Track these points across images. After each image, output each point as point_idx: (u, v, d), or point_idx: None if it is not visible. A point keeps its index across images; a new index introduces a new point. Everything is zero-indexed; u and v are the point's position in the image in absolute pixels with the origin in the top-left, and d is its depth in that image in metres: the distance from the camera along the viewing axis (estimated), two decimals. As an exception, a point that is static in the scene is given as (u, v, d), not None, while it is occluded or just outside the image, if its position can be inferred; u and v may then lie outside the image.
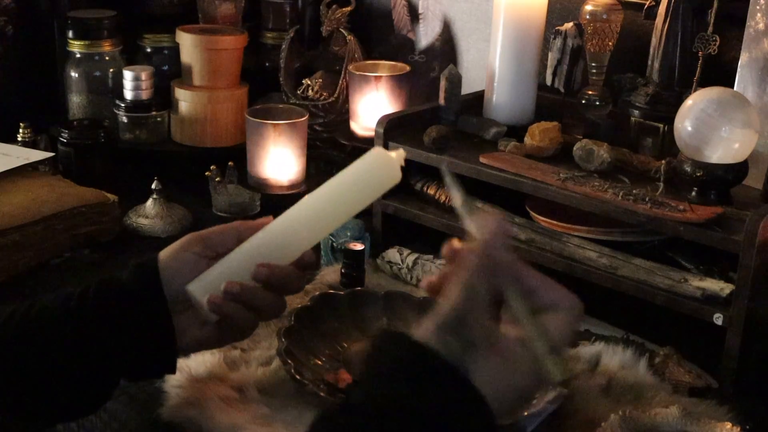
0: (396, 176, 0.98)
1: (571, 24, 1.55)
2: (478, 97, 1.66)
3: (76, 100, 1.95)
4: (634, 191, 1.33)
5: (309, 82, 1.95)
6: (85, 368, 0.92)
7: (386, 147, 1.54)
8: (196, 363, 1.16)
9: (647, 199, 1.30)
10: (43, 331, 0.92)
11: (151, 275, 0.93)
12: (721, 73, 1.45)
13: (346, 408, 0.65)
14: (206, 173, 1.71)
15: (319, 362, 1.18)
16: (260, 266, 0.90)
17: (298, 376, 1.10)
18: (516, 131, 1.55)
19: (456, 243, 0.68)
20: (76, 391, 0.93)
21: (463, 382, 0.62)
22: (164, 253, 0.95)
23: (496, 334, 0.64)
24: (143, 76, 1.88)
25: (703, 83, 1.43)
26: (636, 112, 1.53)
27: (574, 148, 1.45)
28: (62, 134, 1.79)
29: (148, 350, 0.92)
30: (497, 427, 0.62)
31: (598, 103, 1.56)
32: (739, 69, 1.42)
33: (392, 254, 1.47)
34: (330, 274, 1.43)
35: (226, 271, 0.93)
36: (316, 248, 1.43)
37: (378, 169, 0.96)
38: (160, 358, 0.94)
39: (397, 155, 0.99)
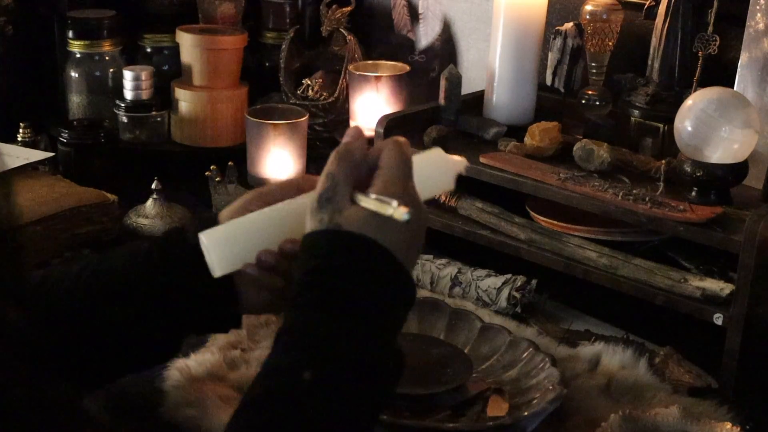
0: (448, 183, 0.93)
1: (571, 24, 1.55)
2: (478, 97, 1.66)
3: (76, 100, 1.95)
4: (634, 191, 1.33)
5: (309, 82, 1.95)
6: (152, 322, 0.94)
7: (386, 147, 1.54)
8: (196, 363, 1.16)
9: (647, 199, 1.30)
10: (111, 286, 0.94)
11: None
12: (721, 73, 1.45)
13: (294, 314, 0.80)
14: (206, 173, 1.71)
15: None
16: (287, 242, 0.90)
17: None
18: (516, 131, 1.55)
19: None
20: (144, 344, 0.95)
21: (342, 234, 0.79)
22: (225, 214, 0.95)
23: (353, 197, 0.81)
24: (143, 76, 1.88)
25: (703, 83, 1.43)
26: (636, 112, 1.53)
27: (574, 148, 1.45)
28: (62, 134, 1.79)
29: (212, 307, 0.93)
30: (380, 245, 0.78)
31: (598, 103, 1.56)
32: (739, 69, 1.42)
33: (392, 254, 1.47)
34: (330, 274, 1.43)
35: (247, 234, 0.90)
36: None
37: (432, 169, 0.92)
38: (224, 314, 0.95)
39: (455, 162, 0.94)
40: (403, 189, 0.82)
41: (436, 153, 0.94)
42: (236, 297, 0.93)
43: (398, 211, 0.79)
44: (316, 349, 0.77)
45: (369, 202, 0.81)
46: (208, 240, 0.89)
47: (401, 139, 0.85)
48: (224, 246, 0.89)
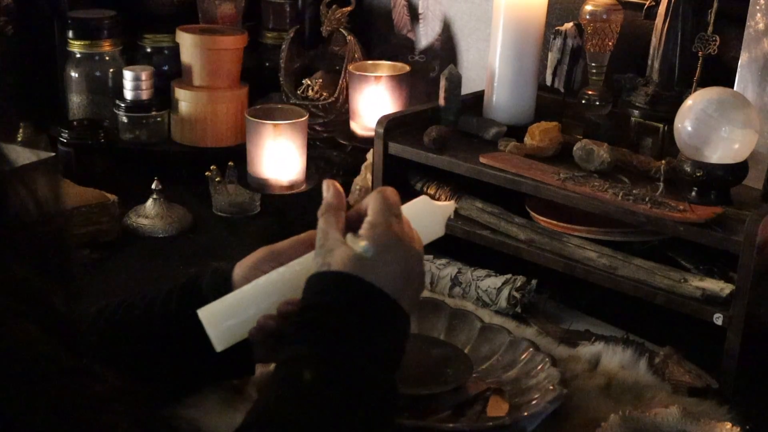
0: (438, 230, 0.95)
1: (571, 24, 1.55)
2: (478, 97, 1.66)
3: (76, 100, 1.95)
4: (634, 191, 1.33)
5: (309, 82, 1.95)
6: (168, 366, 0.97)
7: (386, 147, 1.54)
8: (196, 363, 1.16)
9: (647, 199, 1.30)
10: (128, 331, 0.97)
11: (225, 290, 0.96)
12: (721, 73, 1.45)
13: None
14: (206, 173, 1.71)
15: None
16: (284, 304, 0.91)
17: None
18: (516, 131, 1.55)
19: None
20: (159, 384, 0.96)
21: (330, 273, 0.85)
22: (238, 269, 0.98)
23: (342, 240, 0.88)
24: (143, 76, 1.88)
25: (703, 83, 1.43)
26: (636, 112, 1.53)
27: (574, 148, 1.45)
28: (62, 134, 1.79)
29: (226, 356, 0.94)
30: (365, 282, 0.83)
31: (598, 103, 1.56)
32: (739, 69, 1.42)
33: (392, 254, 1.47)
34: (330, 274, 1.43)
35: (245, 308, 0.92)
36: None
37: (420, 219, 0.93)
38: (237, 362, 0.98)
39: (442, 208, 0.96)
40: (386, 228, 0.86)
41: (423, 201, 0.96)
42: (249, 348, 0.95)
43: (358, 245, 0.85)
44: (302, 386, 0.79)
45: (350, 240, 0.86)
46: (206, 318, 0.91)
47: (386, 188, 0.91)
48: (222, 323, 0.91)
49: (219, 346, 0.91)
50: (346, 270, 0.84)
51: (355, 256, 0.84)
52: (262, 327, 0.91)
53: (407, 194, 0.98)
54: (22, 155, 1.64)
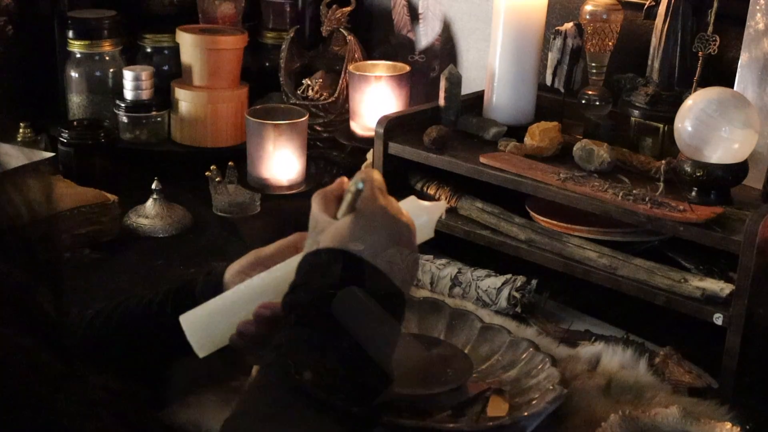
0: (427, 232, 0.93)
1: (571, 24, 1.55)
2: (478, 97, 1.66)
3: (76, 100, 1.95)
4: (634, 191, 1.33)
5: (309, 82, 1.95)
6: (163, 369, 0.98)
7: (386, 147, 1.54)
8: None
9: (647, 199, 1.30)
10: (125, 334, 0.98)
11: (216, 294, 0.96)
12: (721, 73, 1.45)
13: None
14: (206, 173, 1.71)
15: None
16: (260, 308, 0.91)
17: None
18: (516, 131, 1.55)
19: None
20: (154, 385, 0.98)
21: (317, 252, 0.85)
22: (229, 273, 0.98)
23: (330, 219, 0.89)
24: (143, 76, 1.88)
25: (703, 83, 1.43)
26: (636, 112, 1.53)
27: (574, 148, 1.45)
28: (62, 134, 1.79)
29: (221, 357, 0.95)
30: (350, 254, 0.83)
31: (598, 103, 1.56)
32: (739, 69, 1.42)
33: (392, 254, 1.47)
34: (330, 274, 1.43)
35: (225, 314, 0.92)
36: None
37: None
38: (232, 362, 0.98)
39: (430, 209, 0.94)
40: (372, 199, 0.86)
41: (410, 202, 0.95)
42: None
43: (353, 184, 0.86)
44: (291, 372, 0.79)
45: (342, 202, 0.87)
46: (187, 325, 0.91)
47: (370, 169, 0.93)
48: (203, 330, 0.92)
49: (201, 352, 0.91)
50: (333, 245, 0.83)
51: (340, 232, 0.84)
52: (242, 333, 0.91)
53: (406, 194, 0.98)
54: (14, 157, 1.64)
